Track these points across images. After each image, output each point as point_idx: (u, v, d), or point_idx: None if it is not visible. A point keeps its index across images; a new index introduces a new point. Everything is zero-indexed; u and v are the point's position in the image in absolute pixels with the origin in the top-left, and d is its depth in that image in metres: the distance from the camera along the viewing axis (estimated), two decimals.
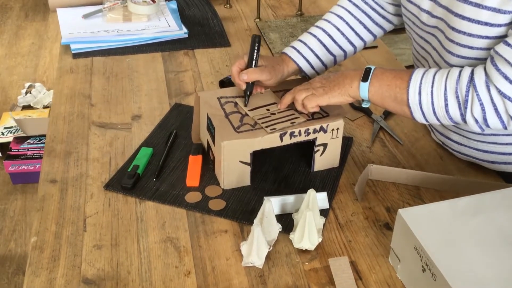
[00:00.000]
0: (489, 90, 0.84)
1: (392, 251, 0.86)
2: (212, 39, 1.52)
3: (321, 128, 1.01)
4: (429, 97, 0.88)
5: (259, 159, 1.02)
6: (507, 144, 0.99)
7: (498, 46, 0.84)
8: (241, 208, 0.97)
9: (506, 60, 0.82)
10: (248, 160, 0.98)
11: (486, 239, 0.78)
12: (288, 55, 1.10)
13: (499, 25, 0.84)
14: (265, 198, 0.91)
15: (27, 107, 2.63)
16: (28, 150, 2.20)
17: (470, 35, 0.87)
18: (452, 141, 1.06)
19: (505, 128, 0.86)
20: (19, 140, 2.25)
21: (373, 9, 1.11)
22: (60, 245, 0.90)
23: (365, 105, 0.96)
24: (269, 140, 0.98)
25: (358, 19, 1.11)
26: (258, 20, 1.63)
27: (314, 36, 1.11)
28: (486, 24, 0.85)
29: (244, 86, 1.03)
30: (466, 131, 1.01)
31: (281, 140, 0.98)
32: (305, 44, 1.10)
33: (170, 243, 0.90)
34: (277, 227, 0.90)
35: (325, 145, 1.03)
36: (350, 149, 1.12)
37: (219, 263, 0.87)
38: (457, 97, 0.86)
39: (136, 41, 1.47)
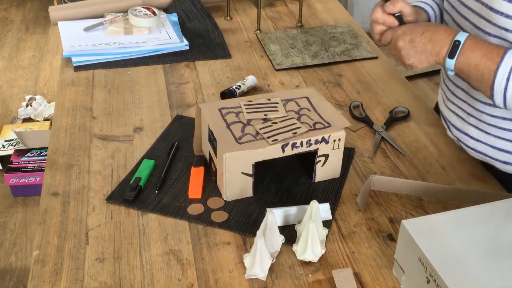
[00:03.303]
0: None
1: (396, 262, 0.86)
2: (213, 51, 1.52)
3: (323, 139, 1.01)
4: None
5: (261, 170, 1.02)
6: None
7: None
8: (244, 220, 0.96)
9: None
10: (250, 171, 0.98)
11: (491, 249, 0.78)
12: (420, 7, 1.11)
13: None
14: (268, 209, 0.91)
15: (28, 119, 2.63)
16: (28, 163, 2.20)
17: None
18: (469, 137, 1.05)
19: None
20: (20, 152, 2.25)
21: None
22: (62, 258, 0.89)
23: (450, 73, 0.93)
24: (271, 151, 0.98)
25: None
26: (258, 31, 1.64)
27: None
28: None
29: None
30: (488, 125, 1.00)
31: (283, 151, 0.98)
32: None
33: (172, 255, 0.90)
34: (280, 239, 0.90)
35: (326, 156, 1.03)
36: (352, 159, 1.12)
37: (222, 276, 0.87)
38: None
39: (137, 53, 1.48)
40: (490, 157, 1.04)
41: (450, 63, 0.90)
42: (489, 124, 1.00)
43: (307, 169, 1.07)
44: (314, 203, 0.90)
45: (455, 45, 0.89)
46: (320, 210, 0.92)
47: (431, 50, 0.92)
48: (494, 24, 0.89)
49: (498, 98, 0.89)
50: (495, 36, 0.91)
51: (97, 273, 0.87)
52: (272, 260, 0.87)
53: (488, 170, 1.09)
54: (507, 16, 0.86)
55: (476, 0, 0.92)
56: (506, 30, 0.88)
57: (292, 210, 0.96)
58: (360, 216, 0.98)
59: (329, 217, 0.97)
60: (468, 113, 1.03)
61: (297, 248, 0.89)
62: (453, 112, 1.08)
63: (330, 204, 0.98)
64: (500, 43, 0.91)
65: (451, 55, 0.89)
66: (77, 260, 0.89)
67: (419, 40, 0.93)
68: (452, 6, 1.01)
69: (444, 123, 1.15)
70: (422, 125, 1.23)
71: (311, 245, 0.87)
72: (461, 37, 0.90)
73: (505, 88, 0.87)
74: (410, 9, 1.02)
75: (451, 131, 1.12)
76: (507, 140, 0.99)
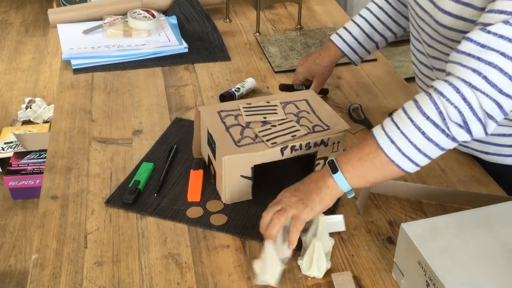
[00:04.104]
0: (455, 88, 0.79)
1: (396, 266, 0.86)
2: (212, 53, 1.52)
3: (322, 142, 1.01)
4: (403, 137, 0.82)
5: (260, 173, 1.01)
6: (499, 135, 1.01)
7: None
8: (243, 223, 0.96)
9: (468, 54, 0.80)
10: (249, 174, 0.98)
11: (490, 253, 0.78)
12: (333, 42, 1.25)
13: None
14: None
15: (27, 122, 2.63)
16: (28, 165, 2.20)
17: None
18: None
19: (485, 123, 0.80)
20: (19, 155, 2.25)
21: None
22: (61, 262, 0.89)
23: (350, 195, 0.88)
24: (270, 154, 0.97)
25: (395, 9, 1.21)
26: (257, 34, 1.64)
27: (357, 25, 1.23)
28: None
29: None
30: None
31: (282, 154, 0.98)
32: (349, 32, 1.23)
33: (171, 259, 0.90)
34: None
35: (325, 159, 1.03)
36: None
37: (221, 279, 0.86)
38: (427, 118, 0.80)
39: (137, 56, 1.48)
40: (473, 149, 1.08)
41: (340, 177, 0.85)
42: None
43: (306, 172, 1.07)
44: (321, 217, 0.88)
45: (331, 163, 0.87)
46: (333, 221, 0.91)
47: (316, 186, 0.87)
48: (441, 25, 0.93)
49: (406, 162, 0.83)
50: (449, 39, 0.94)
51: (96, 277, 0.87)
52: (283, 267, 0.85)
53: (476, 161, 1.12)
54: (456, 16, 0.90)
55: (429, 1, 0.95)
56: (455, 30, 0.91)
57: None
58: (359, 219, 0.98)
59: (343, 228, 0.93)
60: None
61: (302, 262, 0.87)
62: None
63: (330, 207, 0.97)
64: (451, 45, 0.94)
65: (334, 170, 0.86)
66: (76, 264, 0.89)
67: (302, 186, 0.89)
68: (412, 15, 1.04)
69: None
70: None
71: (316, 263, 0.85)
72: (331, 159, 0.88)
73: (399, 149, 0.82)
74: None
75: None
76: None
